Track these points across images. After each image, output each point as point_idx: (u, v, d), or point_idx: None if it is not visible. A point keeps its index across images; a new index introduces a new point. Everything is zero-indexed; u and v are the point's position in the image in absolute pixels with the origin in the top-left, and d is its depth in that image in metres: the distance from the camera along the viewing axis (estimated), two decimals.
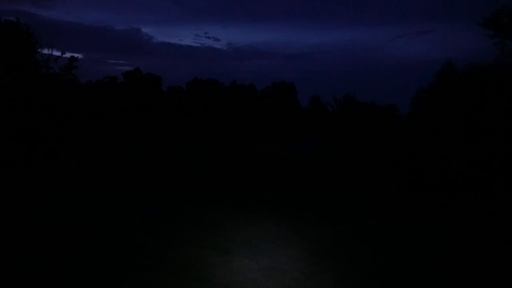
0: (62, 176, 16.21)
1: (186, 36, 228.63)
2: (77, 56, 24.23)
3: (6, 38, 21.78)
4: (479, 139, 18.35)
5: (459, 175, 17.57)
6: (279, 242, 9.05)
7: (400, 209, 14.21)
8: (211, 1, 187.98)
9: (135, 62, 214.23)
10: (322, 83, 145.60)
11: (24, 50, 22.38)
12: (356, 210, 13.54)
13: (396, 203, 15.21)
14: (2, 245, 7.50)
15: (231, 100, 74.19)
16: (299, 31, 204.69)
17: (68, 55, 23.95)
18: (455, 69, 25.97)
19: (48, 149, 20.04)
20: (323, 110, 67.30)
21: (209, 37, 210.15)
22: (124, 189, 14.25)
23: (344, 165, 23.73)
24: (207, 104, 64.99)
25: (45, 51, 23.21)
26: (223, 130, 45.21)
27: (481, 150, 17.95)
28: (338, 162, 24.82)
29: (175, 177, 18.07)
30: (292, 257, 8.10)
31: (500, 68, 20.32)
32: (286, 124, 74.02)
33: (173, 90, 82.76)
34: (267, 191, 15.59)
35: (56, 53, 23.69)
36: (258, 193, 15.10)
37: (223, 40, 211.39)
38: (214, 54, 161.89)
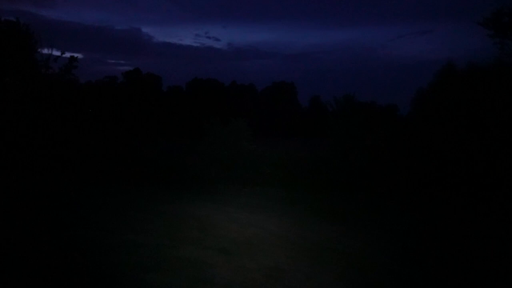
0: (61, 176, 16.20)
1: (186, 36, 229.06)
2: (77, 56, 24.25)
3: (6, 38, 21.75)
4: (479, 139, 18.33)
5: (458, 174, 17.55)
6: None
7: (399, 209, 14.21)
8: (211, 1, 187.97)
9: (135, 62, 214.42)
10: (322, 83, 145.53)
11: (24, 50, 22.34)
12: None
13: (395, 203, 15.21)
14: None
15: (231, 100, 74.15)
16: (299, 31, 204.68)
17: (68, 55, 23.96)
18: (455, 69, 25.90)
19: (48, 149, 20.02)
20: (323, 110, 67.28)
21: (209, 37, 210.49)
22: (122, 189, 14.25)
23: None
24: (207, 104, 64.96)
25: (45, 51, 23.20)
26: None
27: (482, 150, 17.92)
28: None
29: (176, 177, 18.08)
30: None
31: (500, 68, 20.29)
32: (286, 124, 73.95)
33: (173, 90, 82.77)
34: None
35: (56, 53, 23.67)
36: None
37: (223, 40, 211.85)
38: (214, 54, 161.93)
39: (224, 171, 19.74)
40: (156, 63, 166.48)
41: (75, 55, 24.22)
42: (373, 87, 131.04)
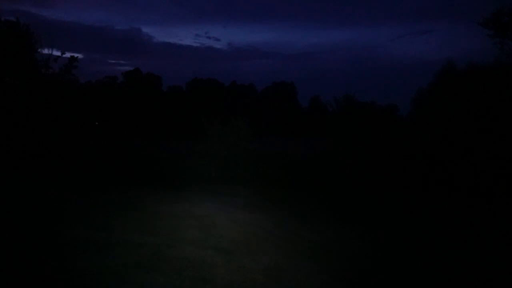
0: (61, 176, 16.21)
1: (186, 36, 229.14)
2: (77, 56, 24.15)
3: (6, 38, 21.73)
4: (479, 139, 18.33)
5: (458, 174, 17.55)
6: None
7: (398, 208, 14.21)
8: (211, 1, 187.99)
9: (135, 62, 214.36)
10: (322, 83, 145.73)
11: (24, 50, 22.31)
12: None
13: (394, 202, 15.21)
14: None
15: (231, 100, 74.20)
16: (299, 31, 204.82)
17: (68, 55, 23.88)
18: (455, 69, 25.89)
19: (47, 149, 20.02)
20: (323, 110, 67.30)
21: (209, 37, 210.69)
22: (122, 189, 14.25)
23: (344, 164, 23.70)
24: (207, 104, 64.99)
25: (45, 51, 23.14)
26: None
27: (481, 150, 17.92)
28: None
29: (176, 176, 18.08)
30: None
31: (500, 68, 20.29)
32: (286, 124, 73.93)
33: (173, 90, 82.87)
34: None
35: (56, 53, 23.59)
36: None
37: (223, 40, 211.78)
38: (214, 54, 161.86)
39: (224, 171, 19.75)
40: (156, 63, 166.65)
41: (75, 55, 24.11)
42: (373, 87, 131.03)
